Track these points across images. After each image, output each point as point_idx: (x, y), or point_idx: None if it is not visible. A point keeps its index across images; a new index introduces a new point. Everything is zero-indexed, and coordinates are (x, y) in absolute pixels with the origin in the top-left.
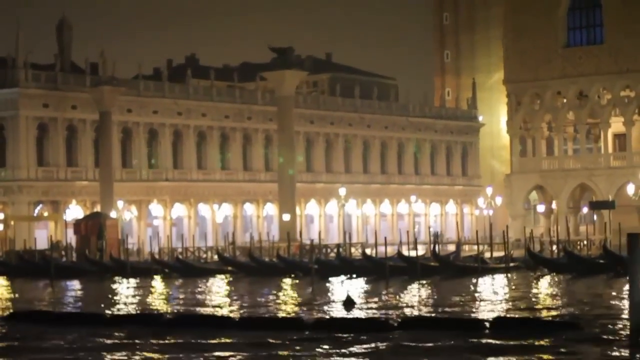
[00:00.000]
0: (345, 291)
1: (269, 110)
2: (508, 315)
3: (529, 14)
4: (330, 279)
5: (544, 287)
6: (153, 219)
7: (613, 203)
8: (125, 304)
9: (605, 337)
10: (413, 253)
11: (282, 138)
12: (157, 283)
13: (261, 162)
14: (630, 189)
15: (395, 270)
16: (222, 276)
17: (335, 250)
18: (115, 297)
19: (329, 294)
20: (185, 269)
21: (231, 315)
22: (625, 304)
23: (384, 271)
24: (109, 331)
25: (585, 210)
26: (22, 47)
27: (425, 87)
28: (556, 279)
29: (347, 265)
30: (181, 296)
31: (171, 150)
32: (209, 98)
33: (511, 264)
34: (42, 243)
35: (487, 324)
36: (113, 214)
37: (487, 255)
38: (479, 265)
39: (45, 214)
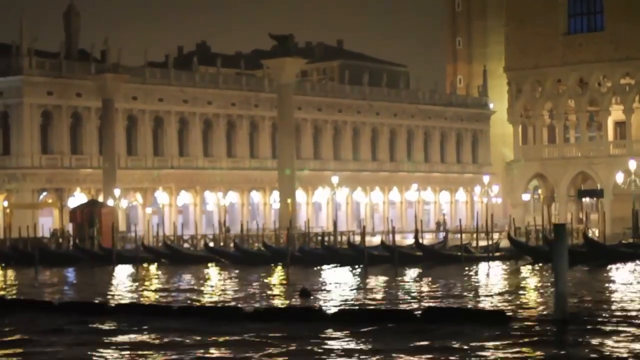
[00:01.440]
0: (317, 280)
1: (276, 98)
2: (438, 306)
3: (529, 2)
4: (315, 267)
5: (510, 276)
6: (147, 207)
7: (602, 192)
8: (85, 291)
9: (532, 328)
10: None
11: (282, 125)
12: (141, 271)
13: (268, 149)
14: (620, 177)
15: (378, 259)
16: (211, 264)
17: (326, 237)
18: (85, 285)
19: (300, 284)
20: (174, 256)
21: (171, 304)
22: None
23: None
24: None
25: (587, 198)
26: (26, 35)
27: (437, 75)
28: (529, 268)
29: (331, 254)
30: (146, 284)
31: (177, 137)
32: (215, 85)
33: (497, 253)
34: (46, 231)
35: (418, 315)
36: (110, 202)
37: (482, 243)
38: (462, 255)
39: (50, 201)
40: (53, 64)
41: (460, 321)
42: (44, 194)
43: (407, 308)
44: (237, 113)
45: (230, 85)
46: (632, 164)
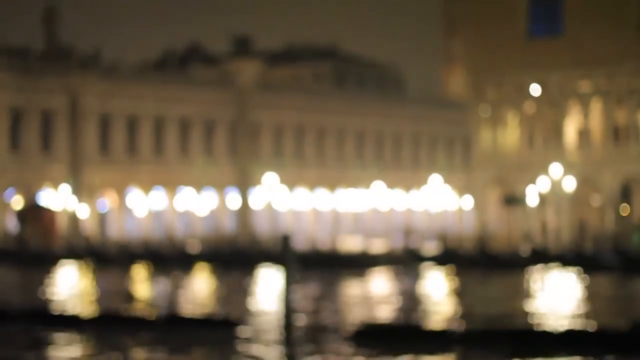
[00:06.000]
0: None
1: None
2: (179, 314)
3: (491, 5)
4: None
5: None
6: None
7: (524, 199)
8: None
9: (259, 336)
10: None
11: (242, 127)
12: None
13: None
14: (546, 183)
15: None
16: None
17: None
18: None
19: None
20: (96, 257)
21: None
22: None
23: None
24: None
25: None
26: None
27: (433, 77)
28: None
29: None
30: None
31: (152, 137)
32: (194, 85)
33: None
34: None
35: (160, 322)
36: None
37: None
38: (360, 260)
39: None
40: (24, 62)
41: (191, 328)
42: (12, 191)
43: (143, 315)
44: (215, 113)
45: (209, 85)
46: (556, 169)
